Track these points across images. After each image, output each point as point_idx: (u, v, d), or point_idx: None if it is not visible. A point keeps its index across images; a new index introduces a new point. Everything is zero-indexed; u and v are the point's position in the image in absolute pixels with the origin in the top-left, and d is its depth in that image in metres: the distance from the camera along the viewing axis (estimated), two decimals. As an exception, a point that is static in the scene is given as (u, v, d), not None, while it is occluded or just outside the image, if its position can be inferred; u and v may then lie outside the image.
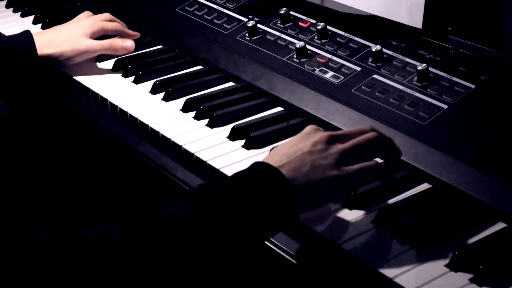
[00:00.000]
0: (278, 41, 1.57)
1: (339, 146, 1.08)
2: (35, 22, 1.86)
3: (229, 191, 1.00)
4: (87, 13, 1.72)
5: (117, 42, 1.62)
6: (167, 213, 1.00)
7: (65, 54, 1.58)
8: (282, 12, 1.62)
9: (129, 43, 1.63)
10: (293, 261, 1.13)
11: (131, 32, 1.69)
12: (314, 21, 1.59)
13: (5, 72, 1.52)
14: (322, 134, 1.10)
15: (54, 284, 0.95)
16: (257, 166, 1.03)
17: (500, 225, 1.14)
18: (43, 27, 1.82)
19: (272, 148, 1.15)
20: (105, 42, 1.61)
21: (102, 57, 1.65)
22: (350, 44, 1.51)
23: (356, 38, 1.52)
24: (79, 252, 0.96)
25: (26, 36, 1.56)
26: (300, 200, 1.03)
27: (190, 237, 0.98)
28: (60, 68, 1.61)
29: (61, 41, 1.58)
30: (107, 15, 1.68)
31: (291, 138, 1.13)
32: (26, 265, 0.93)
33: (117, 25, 1.66)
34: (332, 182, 1.06)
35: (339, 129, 1.35)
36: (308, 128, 1.12)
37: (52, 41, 1.58)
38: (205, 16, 1.72)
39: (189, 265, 0.99)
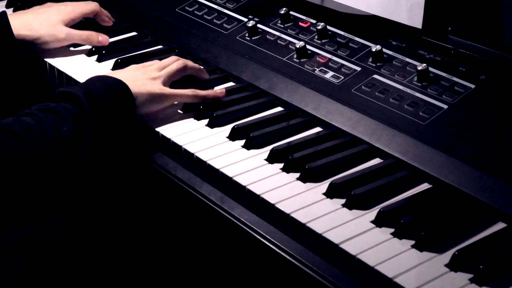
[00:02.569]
0: (278, 41, 1.57)
1: (157, 73, 1.43)
2: (8, 6, 1.88)
3: (96, 90, 1.29)
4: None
5: (94, 37, 1.65)
6: (55, 106, 1.26)
7: (42, 38, 1.59)
8: (282, 12, 1.62)
9: (104, 38, 1.66)
10: (294, 261, 1.13)
11: (107, 14, 1.73)
12: (314, 21, 1.59)
13: None
14: (150, 62, 1.47)
15: None
16: (105, 77, 1.35)
17: (500, 225, 1.14)
18: (14, 11, 1.83)
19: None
20: (83, 33, 1.64)
21: (103, 57, 1.65)
22: (350, 44, 1.51)
23: (356, 38, 1.52)
24: None
25: (1, 16, 1.55)
26: (137, 105, 1.35)
27: (81, 122, 1.24)
28: (39, 55, 1.62)
29: (39, 25, 1.59)
30: (85, 2, 1.69)
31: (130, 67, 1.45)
32: None
33: (94, 6, 1.68)
34: (157, 95, 1.38)
35: (339, 129, 1.35)
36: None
37: (30, 23, 1.58)
38: (205, 16, 1.72)
39: (79, 141, 1.24)
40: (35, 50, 1.63)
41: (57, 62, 1.63)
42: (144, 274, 1.62)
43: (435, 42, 1.45)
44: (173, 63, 1.47)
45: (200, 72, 1.51)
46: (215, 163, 1.29)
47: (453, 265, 1.05)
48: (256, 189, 1.22)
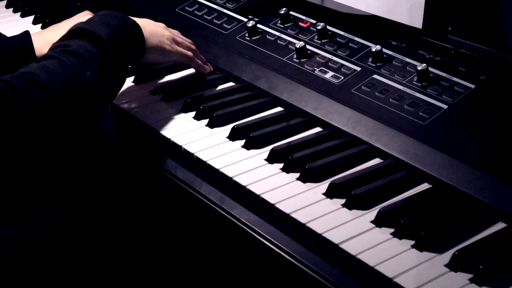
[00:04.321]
0: (278, 41, 1.57)
1: (173, 35, 1.53)
2: (35, 22, 1.86)
3: (115, 31, 1.36)
4: (86, 12, 1.72)
5: None
6: (78, 47, 1.30)
7: None
8: (282, 12, 1.62)
9: None
10: (294, 261, 1.13)
11: None
12: (314, 21, 1.59)
13: (2, 73, 1.52)
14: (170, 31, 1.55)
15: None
16: (122, 16, 1.41)
17: (500, 225, 1.14)
18: (43, 27, 1.82)
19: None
20: None
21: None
22: (350, 44, 1.51)
23: (356, 38, 1.52)
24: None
25: (24, 36, 1.55)
26: (146, 49, 1.44)
27: (102, 65, 1.30)
28: None
29: None
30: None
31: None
32: None
33: None
34: (164, 46, 1.47)
35: (339, 129, 1.35)
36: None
37: (52, 41, 1.57)
38: (205, 16, 1.72)
39: (104, 84, 1.30)
40: None
41: None
42: (144, 274, 1.62)
43: (435, 42, 1.45)
44: (188, 45, 1.56)
45: (201, 68, 1.56)
46: (215, 163, 1.29)
47: (453, 265, 1.05)
48: (256, 189, 1.22)
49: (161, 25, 1.51)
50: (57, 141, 1.25)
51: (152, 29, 1.46)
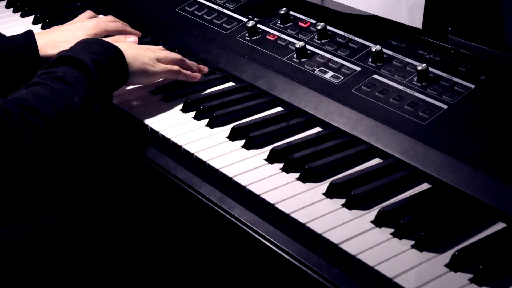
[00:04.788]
0: (278, 41, 1.57)
1: (155, 53, 1.52)
2: (35, 22, 1.86)
3: (99, 57, 1.37)
4: (89, 12, 1.72)
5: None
6: (64, 73, 1.32)
7: None
8: (282, 12, 1.62)
9: (133, 39, 1.64)
10: (293, 261, 1.13)
11: (133, 31, 1.69)
12: (314, 21, 1.59)
13: (5, 71, 1.52)
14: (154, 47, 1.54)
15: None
16: (103, 42, 1.43)
17: (500, 225, 1.14)
18: (43, 27, 1.82)
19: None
20: None
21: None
22: (350, 44, 1.51)
23: (356, 38, 1.52)
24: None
25: (28, 35, 1.55)
26: (130, 73, 1.44)
27: (89, 90, 1.32)
28: None
29: (65, 43, 1.57)
30: (110, 17, 1.68)
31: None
32: None
33: (118, 25, 1.66)
34: (148, 68, 1.47)
35: (339, 129, 1.35)
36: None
37: (56, 42, 1.57)
38: (205, 16, 1.72)
39: (91, 108, 1.32)
40: None
41: None
42: (144, 273, 1.62)
43: (435, 42, 1.45)
44: (173, 58, 1.53)
45: (189, 78, 1.54)
46: (215, 163, 1.29)
47: (453, 265, 1.05)
48: (256, 189, 1.22)
49: (142, 46, 1.51)
50: (53, 158, 1.29)
51: (134, 52, 1.45)
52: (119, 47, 1.43)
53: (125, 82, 1.44)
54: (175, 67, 1.51)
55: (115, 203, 1.69)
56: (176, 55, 1.54)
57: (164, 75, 1.50)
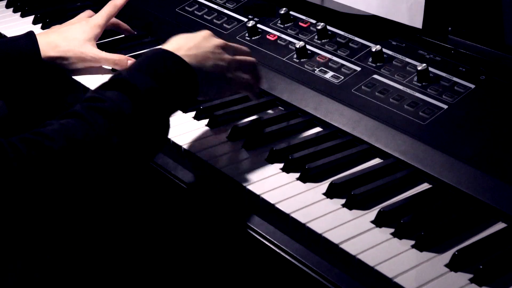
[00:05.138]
0: (278, 41, 1.57)
1: (232, 57, 1.31)
2: (35, 22, 1.86)
3: (158, 82, 1.16)
4: (88, 12, 1.72)
5: (123, 62, 1.59)
6: (110, 104, 1.10)
7: (70, 59, 1.57)
8: (282, 12, 1.62)
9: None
10: (294, 261, 1.13)
11: (126, 27, 1.72)
12: (314, 21, 1.59)
13: (6, 72, 1.52)
14: (220, 41, 1.32)
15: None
16: (171, 58, 1.22)
17: (500, 225, 1.14)
18: (43, 27, 1.82)
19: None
20: (111, 58, 1.59)
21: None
22: (350, 44, 1.51)
23: (356, 38, 1.52)
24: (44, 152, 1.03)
25: (30, 37, 1.55)
26: (200, 86, 1.24)
27: (135, 126, 1.11)
28: (68, 74, 1.61)
29: (67, 45, 1.57)
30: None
31: (189, 34, 1.31)
32: None
33: (113, 20, 1.68)
34: (224, 82, 1.29)
35: (339, 129, 1.35)
36: (205, 32, 1.34)
37: (58, 44, 1.57)
38: (205, 16, 1.72)
39: (136, 150, 1.12)
40: (62, 69, 1.60)
41: (92, 85, 1.56)
42: (143, 272, 1.62)
43: (435, 42, 1.45)
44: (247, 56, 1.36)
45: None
46: (215, 163, 1.29)
47: (453, 265, 1.05)
48: (256, 189, 1.22)
49: (211, 45, 1.30)
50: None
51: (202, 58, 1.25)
52: (189, 57, 1.22)
53: (195, 97, 1.25)
54: (252, 80, 1.34)
55: (115, 203, 1.69)
56: (251, 59, 1.36)
57: (240, 90, 1.34)
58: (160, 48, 1.24)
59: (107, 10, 1.66)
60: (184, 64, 1.21)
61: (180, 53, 1.23)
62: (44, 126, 1.08)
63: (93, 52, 1.58)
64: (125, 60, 1.60)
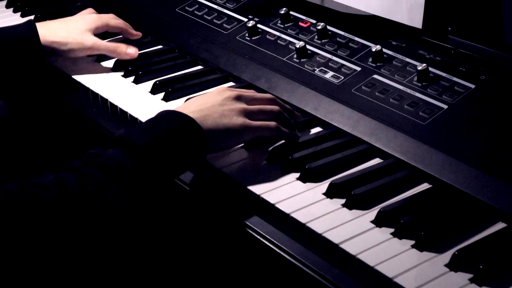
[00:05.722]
0: (278, 41, 1.57)
1: (245, 105, 1.28)
2: (35, 22, 1.86)
3: (157, 137, 1.16)
4: (90, 10, 1.72)
5: (122, 48, 1.61)
6: (107, 158, 1.12)
7: (69, 45, 1.57)
8: (282, 12, 1.62)
9: (133, 51, 1.61)
10: (294, 261, 1.13)
11: (134, 32, 1.69)
12: (314, 21, 1.59)
13: (6, 59, 1.52)
14: (232, 92, 1.30)
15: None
16: (173, 114, 1.21)
17: (500, 225, 1.14)
18: (43, 27, 1.82)
19: (187, 100, 1.35)
20: (111, 45, 1.61)
21: (103, 57, 1.65)
22: (350, 44, 1.51)
23: (356, 38, 1.52)
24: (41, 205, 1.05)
25: (29, 24, 1.56)
26: (209, 142, 1.22)
27: (134, 180, 1.13)
28: (58, 67, 1.61)
29: (67, 31, 1.57)
30: (111, 15, 1.68)
31: (204, 94, 1.31)
32: None
33: (120, 23, 1.67)
34: (235, 129, 1.25)
35: (339, 129, 1.35)
36: (220, 88, 1.33)
37: (57, 30, 1.57)
38: (205, 16, 1.72)
39: (131, 204, 1.14)
40: (60, 56, 1.60)
41: (93, 84, 1.56)
42: (143, 272, 1.62)
43: (435, 42, 1.45)
44: (270, 108, 1.30)
45: (289, 137, 1.31)
46: (215, 163, 1.29)
47: (453, 265, 1.05)
48: (255, 189, 1.22)
49: (224, 97, 1.26)
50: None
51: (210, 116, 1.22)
52: (195, 118, 1.20)
53: (204, 157, 1.23)
54: (273, 124, 1.28)
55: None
56: (273, 106, 1.31)
57: (258, 133, 1.27)
58: (164, 110, 1.24)
59: (109, 15, 1.67)
60: (187, 119, 1.20)
61: (186, 111, 1.22)
62: (41, 177, 1.10)
63: (93, 39, 1.59)
64: (124, 47, 1.61)
